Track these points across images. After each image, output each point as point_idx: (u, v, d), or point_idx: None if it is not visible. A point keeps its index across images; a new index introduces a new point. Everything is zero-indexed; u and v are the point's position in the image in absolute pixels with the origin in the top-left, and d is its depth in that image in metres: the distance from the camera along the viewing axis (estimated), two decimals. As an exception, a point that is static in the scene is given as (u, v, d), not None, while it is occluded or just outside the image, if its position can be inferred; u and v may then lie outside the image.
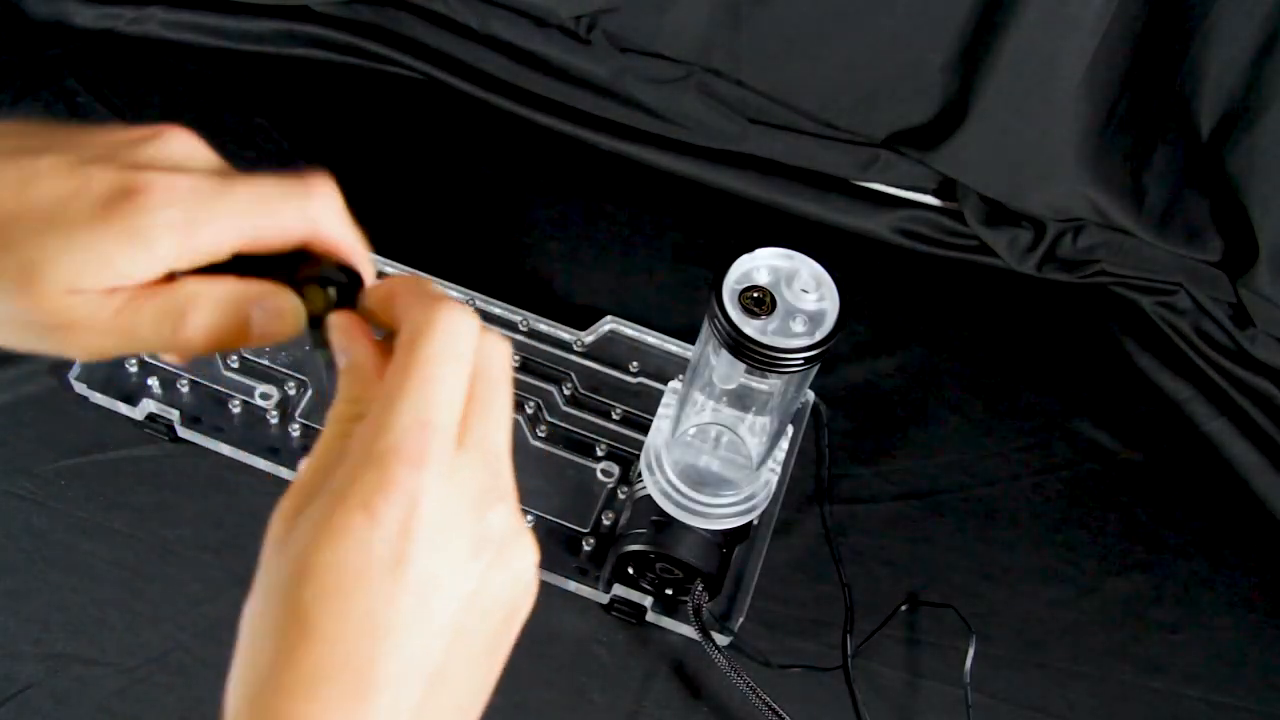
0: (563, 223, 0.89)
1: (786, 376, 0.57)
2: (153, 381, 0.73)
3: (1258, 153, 0.78)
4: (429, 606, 0.32)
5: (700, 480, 0.65)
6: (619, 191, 0.91)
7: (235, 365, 0.76)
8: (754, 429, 0.66)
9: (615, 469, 0.76)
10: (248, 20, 0.93)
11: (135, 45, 0.92)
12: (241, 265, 0.36)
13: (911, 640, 0.73)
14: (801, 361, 0.53)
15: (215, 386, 0.75)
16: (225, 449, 0.73)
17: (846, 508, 0.78)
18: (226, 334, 0.36)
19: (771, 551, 0.73)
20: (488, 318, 0.80)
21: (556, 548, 0.72)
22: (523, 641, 0.70)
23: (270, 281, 0.37)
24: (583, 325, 0.80)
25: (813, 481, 0.78)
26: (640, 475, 0.67)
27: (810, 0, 0.83)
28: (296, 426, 0.74)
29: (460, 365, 0.34)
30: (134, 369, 0.74)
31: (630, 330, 0.80)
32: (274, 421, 0.74)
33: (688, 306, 0.85)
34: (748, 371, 0.58)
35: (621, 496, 0.74)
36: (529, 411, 0.77)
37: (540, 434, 0.77)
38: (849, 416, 0.82)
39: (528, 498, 0.74)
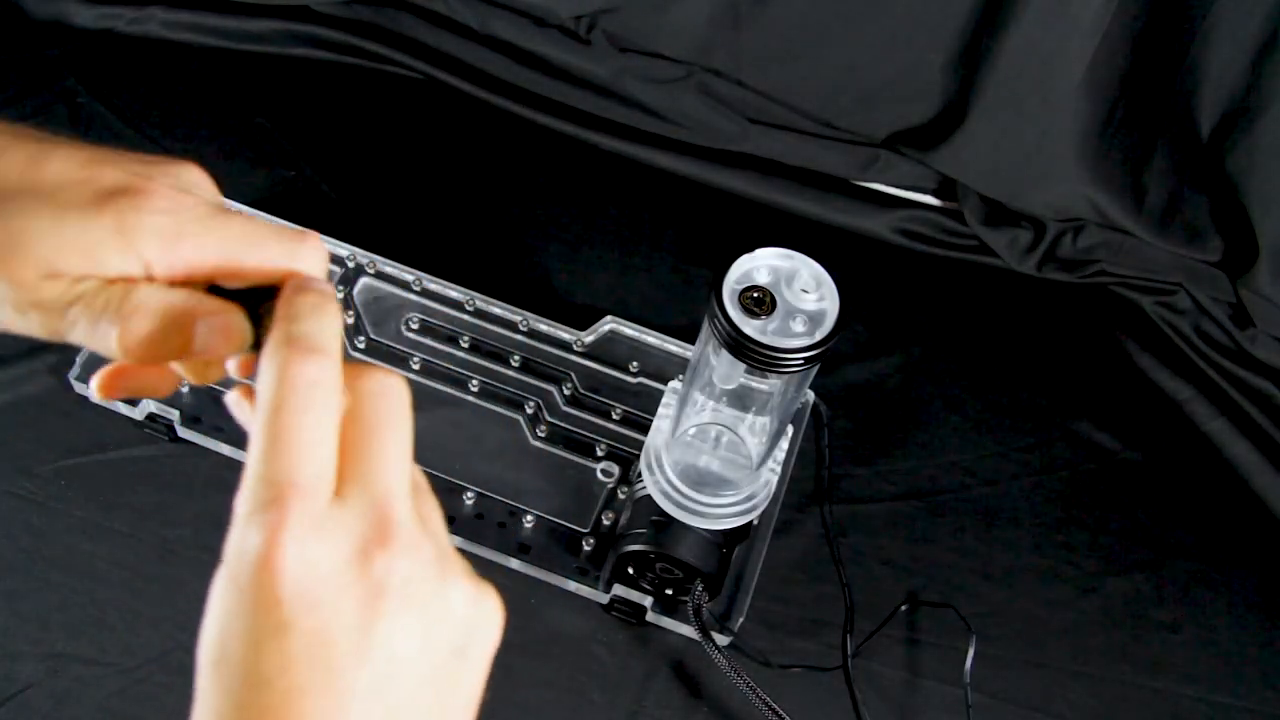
0: (563, 223, 0.89)
1: (786, 376, 0.57)
2: (153, 381, 0.73)
3: (1258, 153, 0.78)
4: (327, 668, 0.31)
5: (700, 480, 0.65)
6: (619, 191, 0.91)
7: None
8: (754, 429, 0.66)
9: (615, 469, 0.76)
10: (248, 20, 0.93)
11: (135, 45, 0.92)
12: (213, 292, 0.37)
13: (911, 640, 0.73)
14: (801, 361, 0.53)
15: (215, 386, 0.75)
16: (225, 449, 0.73)
17: (846, 508, 0.78)
18: (168, 342, 0.36)
19: (771, 551, 0.73)
20: (488, 318, 0.80)
21: (556, 548, 0.72)
22: (523, 641, 0.70)
23: (226, 302, 0.37)
24: (583, 325, 0.80)
25: (813, 481, 0.78)
26: (640, 475, 0.67)
27: (810, 0, 0.83)
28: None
29: (320, 416, 0.33)
30: (134, 369, 0.74)
31: (630, 330, 0.80)
32: (274, 421, 0.74)
33: (688, 306, 0.85)
34: (748, 371, 0.58)
35: (621, 496, 0.74)
36: (529, 411, 0.77)
37: (540, 434, 0.77)
38: (849, 416, 0.82)
39: (528, 498, 0.74)
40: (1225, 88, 0.78)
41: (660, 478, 0.65)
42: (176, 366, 0.40)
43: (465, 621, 0.35)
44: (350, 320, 0.79)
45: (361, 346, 0.79)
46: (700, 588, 0.66)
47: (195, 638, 0.32)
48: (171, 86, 0.91)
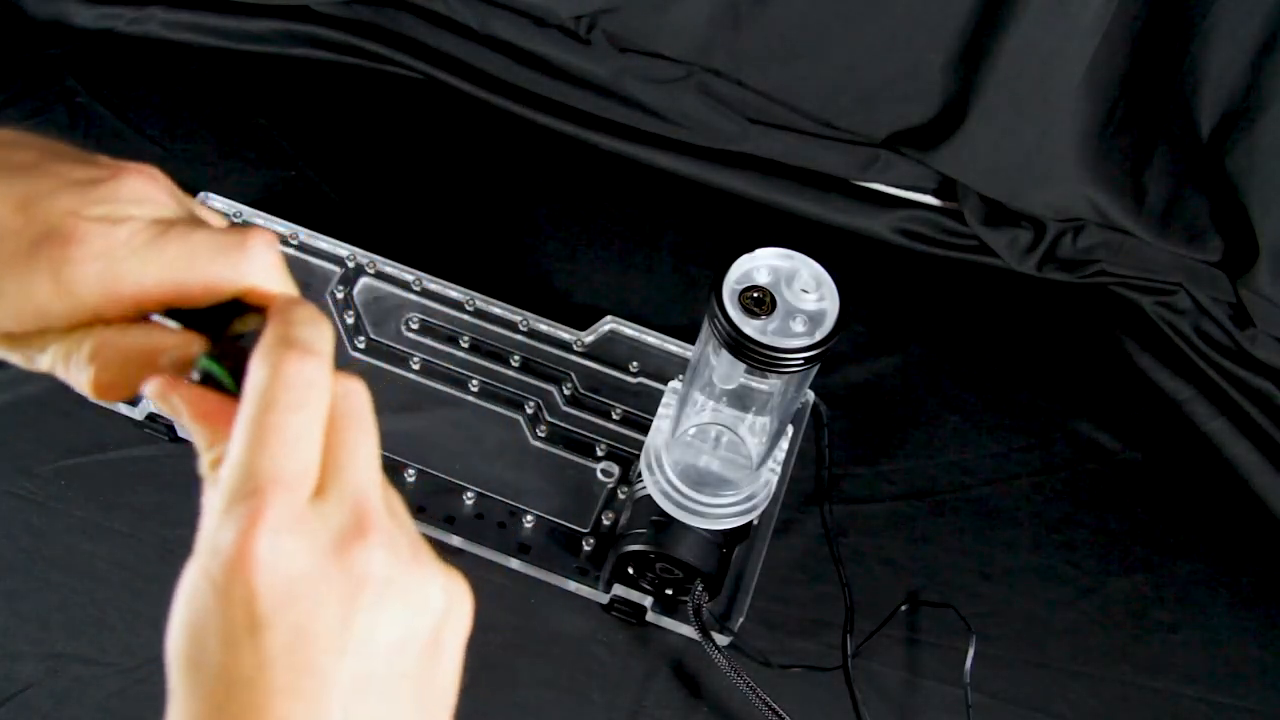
0: (563, 223, 0.89)
1: (786, 376, 0.57)
2: (153, 381, 0.73)
3: (1258, 153, 0.78)
4: (307, 665, 0.31)
5: (700, 480, 0.65)
6: (619, 191, 0.91)
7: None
8: (754, 429, 0.66)
9: (615, 469, 0.76)
10: (248, 20, 0.93)
11: (135, 45, 0.92)
12: (177, 313, 0.37)
13: (911, 640, 0.73)
14: (801, 361, 0.53)
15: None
16: (225, 449, 0.73)
17: (846, 508, 0.78)
18: (137, 378, 0.36)
19: (771, 551, 0.73)
20: (488, 318, 0.80)
21: (556, 548, 0.72)
22: (523, 641, 0.70)
23: (186, 332, 0.37)
24: (583, 325, 0.80)
25: (813, 481, 0.78)
26: (640, 475, 0.67)
27: (810, 0, 0.83)
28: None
29: (306, 414, 0.33)
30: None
31: (630, 330, 0.80)
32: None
33: (688, 306, 0.85)
34: (748, 371, 0.58)
35: (621, 496, 0.74)
36: (529, 411, 0.77)
37: (540, 434, 0.77)
38: (849, 416, 0.82)
39: (528, 498, 0.74)
40: (1225, 88, 0.78)
41: (660, 478, 0.65)
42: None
43: (441, 610, 0.34)
44: (350, 320, 0.79)
45: (361, 346, 0.79)
46: (700, 588, 0.66)
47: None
48: (171, 86, 0.91)
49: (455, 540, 0.71)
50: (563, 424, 0.77)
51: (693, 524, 0.65)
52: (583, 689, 0.69)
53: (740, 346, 0.53)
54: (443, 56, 0.94)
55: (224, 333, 0.37)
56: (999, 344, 0.88)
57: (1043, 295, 0.91)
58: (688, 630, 0.70)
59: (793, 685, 0.70)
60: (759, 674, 0.68)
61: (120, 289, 0.35)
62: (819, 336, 0.53)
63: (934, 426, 0.83)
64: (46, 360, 0.37)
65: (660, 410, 0.67)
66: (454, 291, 0.81)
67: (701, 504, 0.64)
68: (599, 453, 0.76)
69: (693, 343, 0.71)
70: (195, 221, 0.37)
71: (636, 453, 0.75)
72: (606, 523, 0.73)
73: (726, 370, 0.60)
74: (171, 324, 0.37)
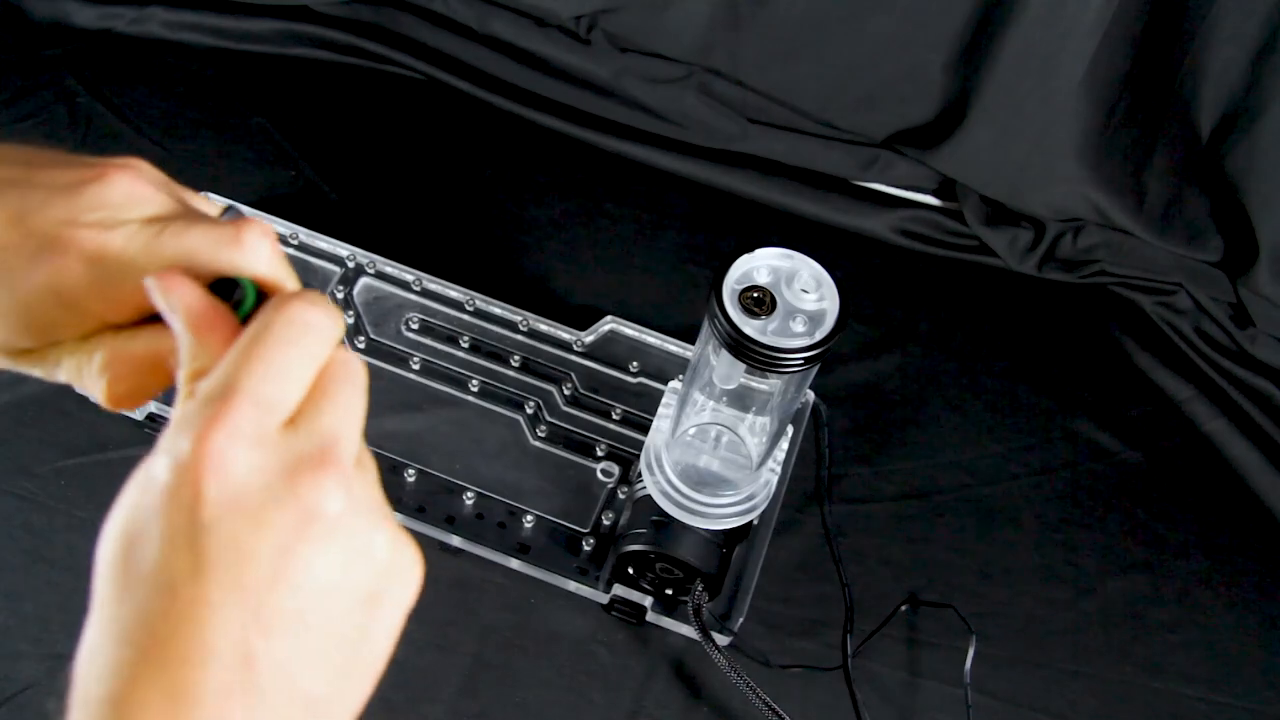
0: (563, 223, 0.89)
1: (786, 376, 0.57)
2: (153, 381, 0.73)
3: (1258, 153, 0.78)
4: (239, 582, 0.30)
5: (700, 480, 0.65)
6: (619, 191, 0.91)
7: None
8: (754, 429, 0.66)
9: (615, 469, 0.76)
10: (248, 20, 0.93)
11: (135, 45, 0.92)
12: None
13: (911, 640, 0.73)
14: (801, 361, 0.53)
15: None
16: (225, 449, 0.73)
17: (846, 508, 0.78)
18: (152, 382, 0.36)
19: (771, 551, 0.73)
20: (488, 318, 0.80)
21: (556, 548, 0.72)
22: (523, 641, 0.70)
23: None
24: (583, 325, 0.80)
25: (813, 481, 0.78)
26: (640, 475, 0.67)
27: (810, 0, 0.83)
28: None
29: (302, 353, 0.33)
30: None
31: (630, 330, 0.80)
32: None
33: (688, 306, 0.85)
34: (748, 371, 0.58)
35: (621, 496, 0.74)
36: (529, 411, 0.77)
37: (540, 434, 0.77)
38: (849, 416, 0.82)
39: (528, 498, 0.74)
40: (1225, 88, 0.78)
41: (660, 478, 0.65)
42: None
43: (385, 567, 0.33)
44: (350, 320, 0.79)
45: (361, 346, 0.79)
46: (700, 588, 0.66)
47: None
48: (171, 86, 0.91)
49: (455, 540, 0.71)
50: (563, 424, 0.77)
51: (693, 524, 0.65)
52: (583, 689, 0.69)
53: (740, 346, 0.53)
54: (443, 56, 0.94)
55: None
56: (999, 344, 0.88)
57: (1043, 295, 0.91)
58: (688, 630, 0.70)
59: (793, 685, 0.70)
60: (759, 674, 0.68)
61: (121, 295, 0.35)
62: (819, 336, 0.53)
63: (934, 426, 0.83)
64: (64, 373, 0.37)
65: (660, 410, 0.67)
66: (454, 291, 0.81)
67: (701, 504, 0.64)
68: (599, 453, 0.76)
69: (693, 343, 0.71)
70: (189, 215, 0.37)
71: (636, 453, 0.75)
72: (606, 523, 0.73)
73: (726, 370, 0.60)
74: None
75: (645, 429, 0.74)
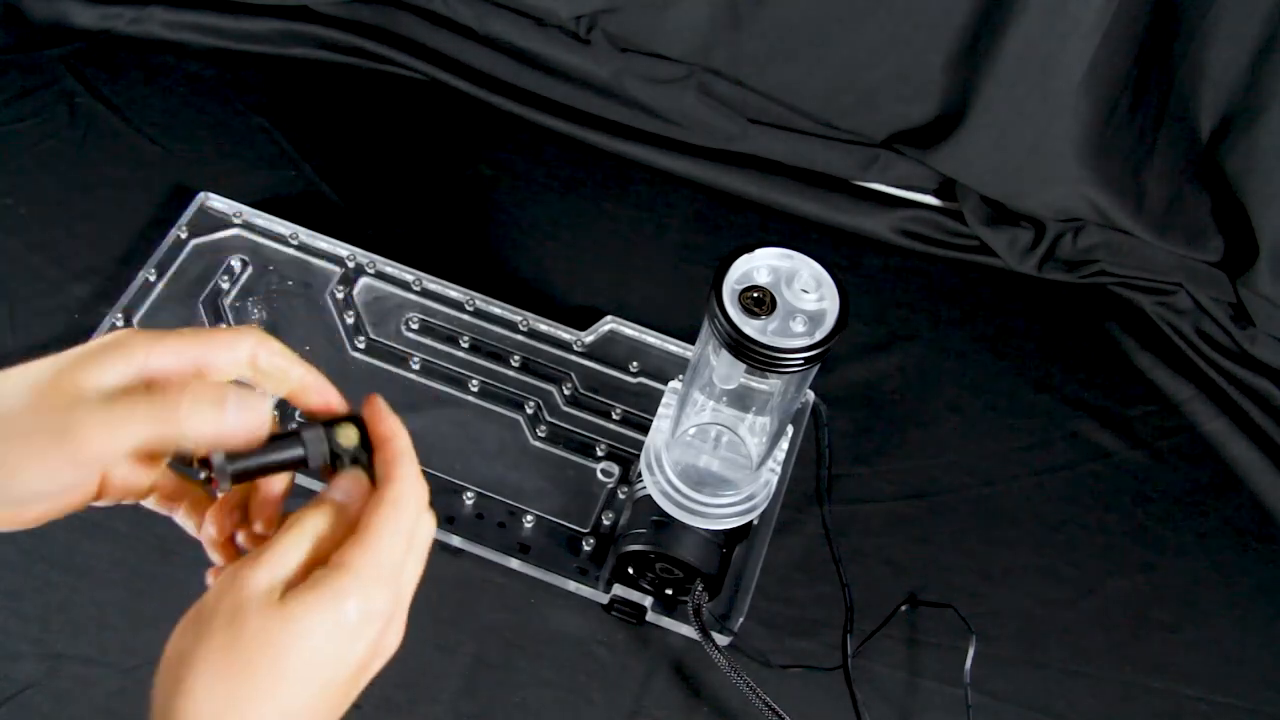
0: (563, 223, 0.89)
1: (786, 376, 0.57)
2: (153, 381, 0.73)
3: (1258, 152, 0.78)
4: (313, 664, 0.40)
5: (700, 480, 0.65)
6: (619, 191, 0.91)
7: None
8: (754, 429, 0.66)
9: (615, 469, 0.76)
10: (248, 20, 0.93)
11: (135, 45, 0.92)
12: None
13: (911, 640, 0.73)
14: (801, 361, 0.53)
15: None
16: (225, 449, 0.73)
17: (846, 508, 0.78)
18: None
19: (771, 551, 0.73)
20: (488, 318, 0.80)
21: (556, 548, 0.72)
22: (523, 641, 0.70)
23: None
24: (583, 325, 0.80)
25: (813, 481, 0.78)
26: (640, 475, 0.67)
27: (810, 0, 0.83)
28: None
29: (407, 534, 0.44)
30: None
31: (630, 330, 0.80)
32: (274, 421, 0.74)
33: (688, 306, 0.85)
34: (748, 371, 0.58)
35: (621, 496, 0.74)
36: (529, 411, 0.77)
37: (540, 434, 0.77)
38: (849, 416, 0.82)
39: (528, 498, 0.74)
40: (1225, 88, 0.78)
41: (660, 478, 0.65)
42: None
43: (388, 649, 0.43)
44: (350, 320, 0.79)
45: (361, 346, 0.79)
46: (700, 588, 0.66)
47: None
48: (172, 86, 0.91)
49: (455, 540, 0.71)
50: (563, 424, 0.77)
51: (693, 524, 0.65)
52: (583, 689, 0.69)
53: (740, 346, 0.53)
54: (443, 56, 0.94)
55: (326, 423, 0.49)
56: (999, 344, 0.88)
57: (1043, 295, 0.91)
58: (688, 630, 0.70)
59: (793, 685, 0.70)
60: (759, 674, 0.68)
61: (135, 450, 0.43)
62: (819, 336, 0.53)
63: (934, 426, 0.83)
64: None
65: (660, 410, 0.67)
66: (454, 291, 0.81)
67: (701, 504, 0.64)
68: (599, 453, 0.76)
69: (693, 343, 0.71)
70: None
71: (636, 453, 0.75)
72: (606, 523, 0.73)
73: (726, 370, 0.60)
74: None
75: (645, 429, 0.74)
